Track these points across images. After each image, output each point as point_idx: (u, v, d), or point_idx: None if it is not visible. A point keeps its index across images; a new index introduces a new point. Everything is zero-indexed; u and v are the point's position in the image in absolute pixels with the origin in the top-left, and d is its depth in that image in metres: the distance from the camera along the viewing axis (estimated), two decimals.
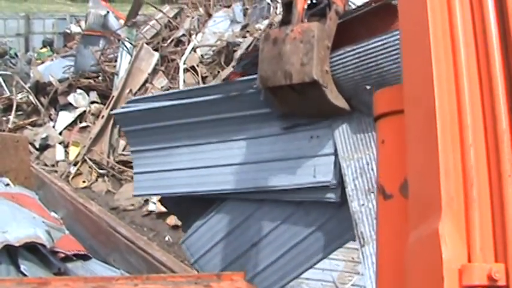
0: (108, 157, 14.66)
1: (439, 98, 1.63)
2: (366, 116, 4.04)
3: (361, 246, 3.77)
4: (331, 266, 8.53)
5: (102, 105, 16.18)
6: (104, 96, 16.34)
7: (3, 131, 16.14)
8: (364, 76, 3.94)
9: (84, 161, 14.66)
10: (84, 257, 5.21)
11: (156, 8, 21.37)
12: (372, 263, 3.62)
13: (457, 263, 1.48)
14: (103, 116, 15.33)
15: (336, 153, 4.14)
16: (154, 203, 12.16)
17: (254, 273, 4.76)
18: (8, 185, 6.69)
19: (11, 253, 4.37)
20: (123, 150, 14.62)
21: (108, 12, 21.15)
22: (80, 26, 29.70)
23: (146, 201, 12.48)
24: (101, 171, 14.42)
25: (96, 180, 14.30)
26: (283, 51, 3.84)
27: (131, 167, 14.07)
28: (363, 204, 3.87)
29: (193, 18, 17.66)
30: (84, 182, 14.21)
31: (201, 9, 18.61)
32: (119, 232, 4.84)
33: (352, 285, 8.21)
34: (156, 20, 19.08)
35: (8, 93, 20.48)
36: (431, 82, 1.64)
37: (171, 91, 5.65)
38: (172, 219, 11.60)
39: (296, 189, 4.36)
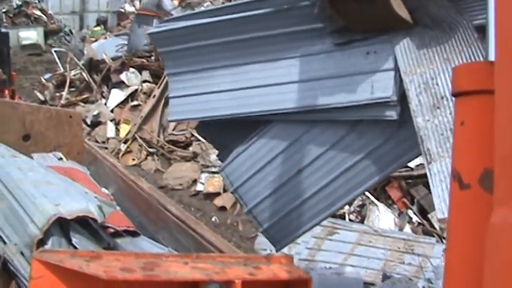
0: (158, 136, 14.78)
1: None
2: (428, 30, 3.86)
3: (428, 163, 3.59)
4: (376, 255, 8.51)
5: (154, 85, 16.31)
6: (156, 76, 16.44)
7: (56, 106, 16.36)
8: None
9: (134, 139, 14.80)
10: (134, 234, 5.24)
11: None
12: (439, 180, 3.42)
13: None
14: (155, 96, 15.45)
15: (395, 69, 3.95)
16: (203, 184, 12.23)
17: (301, 201, 4.62)
18: (61, 159, 6.78)
19: (63, 226, 4.42)
20: (174, 130, 14.72)
21: None
22: (134, 5, 29.92)
23: (194, 181, 12.56)
24: (151, 149, 14.54)
25: (146, 158, 14.44)
26: None
27: (181, 147, 14.27)
28: (429, 120, 3.69)
29: None
30: (133, 159, 14.36)
31: None
32: (169, 210, 4.86)
33: (397, 273, 8.17)
34: (211, 1, 19.09)
35: (61, 70, 20.77)
36: None
37: (212, 7, 5.23)
38: (219, 200, 11.67)
39: (352, 107, 4.17)
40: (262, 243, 8.56)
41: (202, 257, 3.36)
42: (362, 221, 10.11)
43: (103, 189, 6.47)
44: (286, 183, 4.63)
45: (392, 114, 4.00)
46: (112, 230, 5.05)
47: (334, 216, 9.96)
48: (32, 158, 6.44)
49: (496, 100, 1.63)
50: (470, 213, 1.76)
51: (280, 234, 4.76)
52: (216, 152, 5.87)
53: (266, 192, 4.71)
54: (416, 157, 4.36)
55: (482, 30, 3.47)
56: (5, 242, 4.49)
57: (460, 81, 1.94)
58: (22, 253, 4.29)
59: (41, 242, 4.24)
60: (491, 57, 1.81)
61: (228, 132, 5.09)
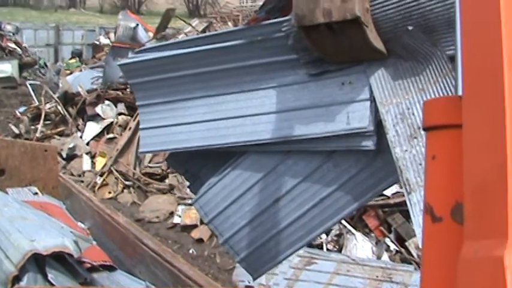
0: (134, 169, 14.72)
1: (510, 112, 1.48)
2: (402, 60, 3.90)
3: (408, 193, 3.62)
4: (355, 284, 8.51)
5: (129, 117, 16.29)
6: (132, 108, 16.42)
7: (31, 139, 16.28)
8: (405, 16, 3.75)
9: (110, 172, 14.73)
10: (110, 268, 5.20)
11: (185, 21, 21.61)
12: (419, 210, 3.42)
13: None
14: (130, 128, 15.43)
15: (371, 99, 3.95)
16: (180, 216, 12.18)
17: (277, 230, 4.61)
18: (36, 194, 6.73)
19: (39, 262, 4.39)
20: (150, 162, 14.68)
21: (137, 24, 21.37)
22: (109, 37, 30.10)
23: (171, 214, 12.51)
24: (127, 182, 14.47)
25: (122, 191, 14.35)
26: None
27: (157, 179, 14.24)
28: (406, 150, 3.72)
29: None
30: (109, 192, 14.27)
31: (229, 23, 18.72)
32: (146, 244, 4.84)
33: None
34: (185, 33, 19.26)
35: (36, 103, 20.71)
36: (502, 95, 1.50)
37: (184, 38, 5.15)
38: (197, 233, 11.61)
39: (327, 138, 4.15)
40: (240, 274, 8.53)
41: None
42: (340, 250, 10.11)
43: (79, 224, 6.43)
44: (262, 213, 4.63)
45: (369, 144, 4.03)
46: (89, 265, 5.00)
47: (311, 246, 9.96)
48: (6, 193, 6.39)
49: (463, 134, 1.66)
50: (443, 246, 1.77)
51: (257, 263, 4.75)
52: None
53: (242, 222, 4.70)
54: (391, 186, 4.40)
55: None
56: None
57: (430, 115, 1.95)
58: None
59: (17, 279, 4.20)
60: (460, 91, 1.84)
61: (199, 163, 5.07)
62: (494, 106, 1.53)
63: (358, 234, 10.33)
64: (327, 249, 10.20)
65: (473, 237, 1.53)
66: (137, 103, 5.26)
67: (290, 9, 4.18)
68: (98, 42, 31.80)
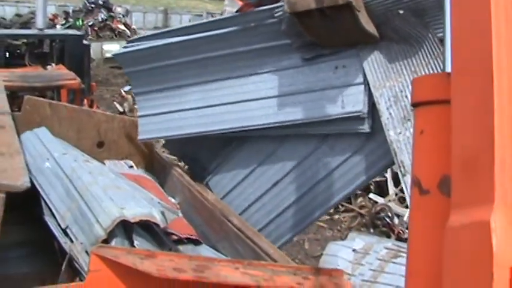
0: None
1: (497, 86, 1.52)
2: (394, 44, 3.89)
3: (403, 175, 3.63)
4: None
5: None
6: None
7: (134, 117, 16.73)
8: (396, 0, 3.80)
9: None
10: (195, 242, 5.34)
11: None
12: None
13: (509, 259, 1.39)
14: None
15: (364, 83, 3.99)
16: None
17: (277, 213, 4.65)
18: (131, 167, 6.97)
19: (127, 228, 4.58)
20: None
21: None
22: None
23: None
24: None
25: None
26: None
27: None
28: (400, 133, 3.71)
29: None
30: None
31: None
32: (230, 221, 4.95)
33: None
34: None
35: None
36: (489, 70, 1.53)
37: (178, 26, 5.23)
38: None
39: (323, 122, 4.21)
40: (327, 262, 8.56)
41: (254, 264, 3.46)
42: None
43: (170, 198, 6.62)
44: (262, 196, 4.70)
45: (364, 127, 4.05)
46: (175, 237, 5.16)
47: (399, 239, 9.89)
48: (104, 164, 6.65)
49: (451, 109, 1.71)
50: (430, 217, 1.81)
51: None
52: None
53: (245, 204, 4.82)
54: (383, 170, 4.45)
55: None
56: (72, 241, 4.68)
57: (419, 92, 2.01)
58: (87, 252, 4.46)
59: (105, 242, 4.40)
60: (448, 68, 1.86)
61: (195, 147, 5.09)
62: (482, 82, 1.57)
63: None
64: None
65: (460, 206, 1.58)
66: (133, 91, 5.34)
67: None
68: None
